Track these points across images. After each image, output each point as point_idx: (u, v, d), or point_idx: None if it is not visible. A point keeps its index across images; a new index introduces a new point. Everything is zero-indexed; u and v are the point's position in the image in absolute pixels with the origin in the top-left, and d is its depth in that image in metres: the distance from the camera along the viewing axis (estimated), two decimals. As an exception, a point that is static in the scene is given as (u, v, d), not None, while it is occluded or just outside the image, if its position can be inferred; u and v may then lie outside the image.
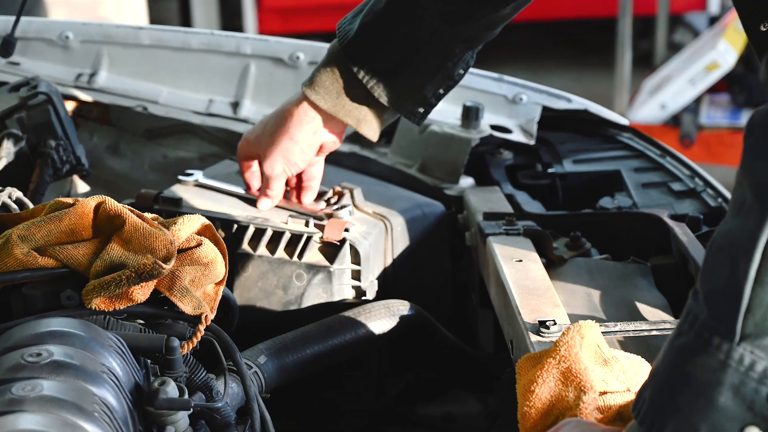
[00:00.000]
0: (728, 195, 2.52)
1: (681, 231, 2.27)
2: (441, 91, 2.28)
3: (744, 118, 5.37)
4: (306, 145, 2.34)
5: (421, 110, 2.29)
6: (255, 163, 2.43)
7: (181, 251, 1.82)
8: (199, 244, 1.85)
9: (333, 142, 2.38)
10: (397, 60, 2.24)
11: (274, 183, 2.37)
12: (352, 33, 2.25)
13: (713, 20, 6.74)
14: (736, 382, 1.31)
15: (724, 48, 5.34)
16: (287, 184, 2.43)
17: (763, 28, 1.75)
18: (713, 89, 5.50)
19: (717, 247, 1.36)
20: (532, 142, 2.73)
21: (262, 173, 2.39)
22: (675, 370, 1.36)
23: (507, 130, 2.75)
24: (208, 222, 1.90)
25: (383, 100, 2.26)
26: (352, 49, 2.25)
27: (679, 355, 1.36)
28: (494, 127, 2.73)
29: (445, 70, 2.26)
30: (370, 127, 2.32)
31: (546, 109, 2.81)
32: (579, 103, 2.85)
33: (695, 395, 1.33)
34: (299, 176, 2.43)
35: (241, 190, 2.45)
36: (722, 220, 1.38)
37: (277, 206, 2.41)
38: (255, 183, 2.44)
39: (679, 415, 1.34)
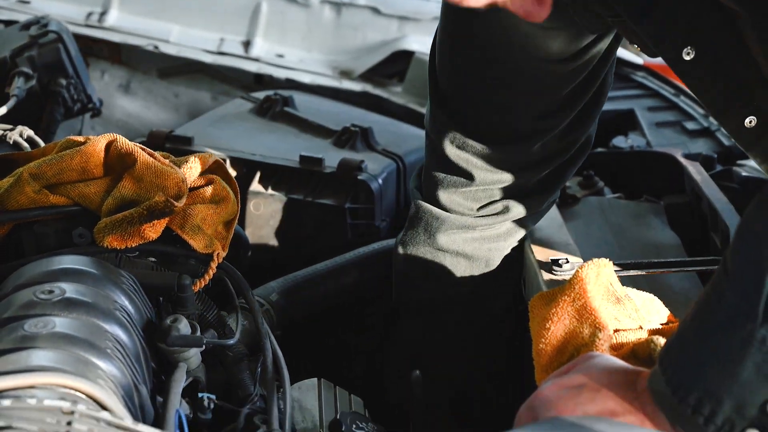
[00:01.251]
0: (742, 134, 2.50)
1: (695, 170, 2.25)
2: None
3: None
4: None
5: None
6: None
7: (192, 189, 1.81)
8: (210, 182, 1.84)
9: None
10: None
11: None
12: None
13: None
14: (759, 361, 1.31)
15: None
16: None
17: (749, 124, 1.68)
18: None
19: (745, 224, 1.35)
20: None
21: None
22: (702, 340, 1.36)
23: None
24: (219, 160, 1.88)
25: None
26: None
27: (706, 325, 1.36)
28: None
29: None
30: None
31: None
32: (593, 41, 2.82)
33: (721, 368, 1.34)
34: None
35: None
36: (759, 194, 1.37)
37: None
38: None
39: (704, 384, 1.35)
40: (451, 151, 1.91)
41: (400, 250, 2.05)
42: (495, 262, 2.02)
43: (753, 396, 1.33)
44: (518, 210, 1.96)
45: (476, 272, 2.03)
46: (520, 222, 1.99)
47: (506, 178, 1.92)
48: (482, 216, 1.97)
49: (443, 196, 1.96)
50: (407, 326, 2.13)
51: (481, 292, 2.06)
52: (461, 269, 2.03)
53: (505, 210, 1.96)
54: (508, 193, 1.95)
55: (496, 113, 1.87)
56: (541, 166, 1.93)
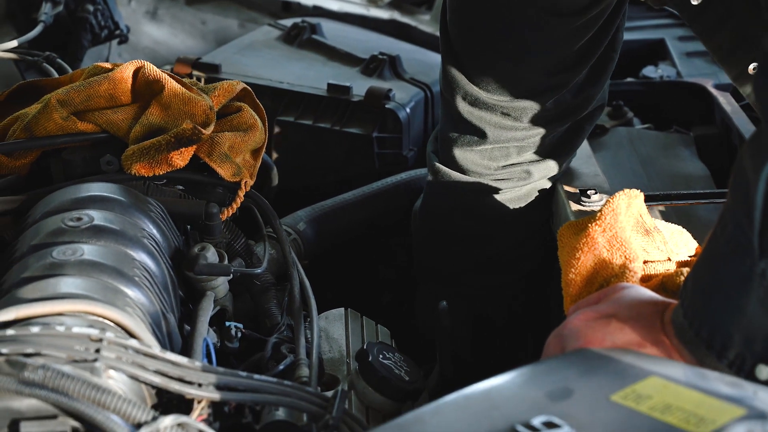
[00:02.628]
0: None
1: (725, 100, 2.24)
2: None
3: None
4: None
5: None
6: None
7: (220, 117, 1.81)
8: (238, 110, 1.83)
9: None
10: None
11: None
12: None
13: None
14: (761, 295, 1.31)
15: None
16: None
17: (751, 71, 1.68)
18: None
19: (739, 160, 1.34)
20: (575, 10, 2.68)
21: None
22: (710, 273, 1.36)
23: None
24: (247, 87, 1.88)
25: None
26: None
27: (713, 258, 1.36)
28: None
29: None
30: None
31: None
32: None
33: (726, 301, 1.33)
34: None
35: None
36: (754, 131, 1.36)
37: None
38: None
39: (713, 318, 1.35)
40: (463, 108, 1.89)
41: (420, 217, 2.04)
42: (517, 226, 2.01)
43: (760, 330, 1.32)
44: (538, 173, 1.95)
45: (499, 236, 2.02)
46: (540, 185, 1.97)
47: (520, 136, 1.91)
48: (502, 179, 1.96)
49: (459, 154, 1.94)
50: (428, 292, 2.13)
51: (505, 258, 2.05)
52: (483, 233, 2.02)
53: (526, 175, 1.95)
54: (525, 152, 1.93)
55: (508, 68, 1.85)
56: (554, 123, 1.91)
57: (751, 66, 1.67)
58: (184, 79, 1.84)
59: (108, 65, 1.82)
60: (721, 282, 1.35)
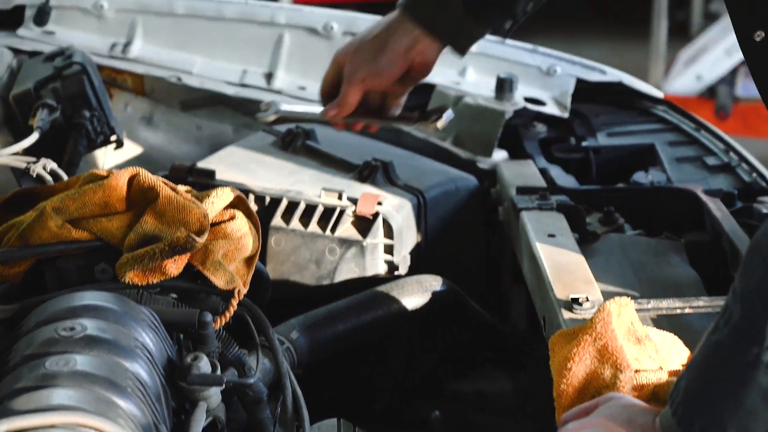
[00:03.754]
0: (763, 170, 2.50)
1: (715, 206, 2.25)
2: (530, 6, 2.12)
3: (781, 89, 5.33)
4: (396, 57, 2.09)
5: (509, 24, 2.13)
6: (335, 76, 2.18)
7: (214, 224, 1.83)
8: (232, 218, 1.85)
9: (424, 67, 2.13)
10: None
11: (350, 89, 2.11)
12: None
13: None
14: (765, 386, 1.31)
15: (762, 18, 5.29)
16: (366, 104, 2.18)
17: (757, 38, 1.71)
18: (750, 60, 5.45)
19: (755, 246, 1.35)
20: (565, 115, 2.72)
21: (342, 79, 2.15)
22: (707, 367, 1.37)
23: (541, 103, 2.73)
24: (241, 195, 1.90)
25: (474, 15, 2.09)
26: None
27: (712, 351, 1.37)
28: (528, 100, 2.72)
29: None
30: (464, 44, 2.13)
31: (580, 81, 2.79)
32: (613, 75, 2.83)
33: (725, 394, 1.34)
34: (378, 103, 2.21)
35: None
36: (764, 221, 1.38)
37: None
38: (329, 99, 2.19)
39: (708, 413, 1.35)
40: None
41: None
42: None
43: (757, 423, 1.33)
44: None
45: None
46: None
47: None
48: None
49: None
50: None
51: None
52: None
53: None
54: None
55: None
56: None
57: (756, 34, 1.69)
58: (178, 186, 1.86)
59: (103, 172, 1.85)
60: (721, 374, 1.36)
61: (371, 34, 2.12)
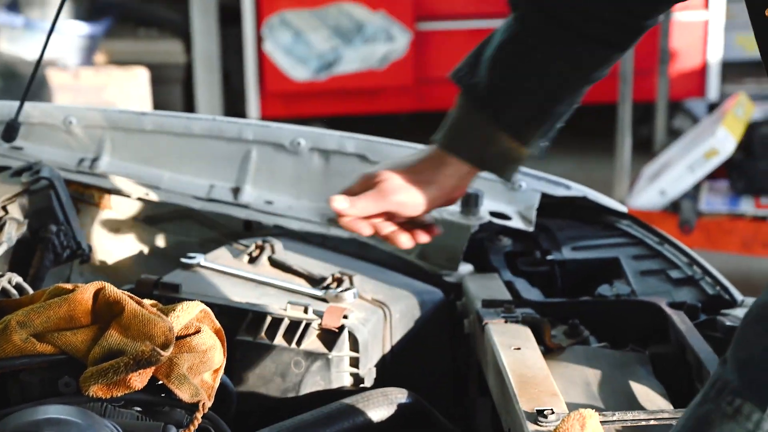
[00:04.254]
0: (726, 283, 2.53)
1: (679, 319, 2.27)
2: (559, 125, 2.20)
3: (743, 204, 5.39)
4: (443, 193, 2.16)
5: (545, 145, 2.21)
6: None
7: (179, 338, 1.83)
8: (197, 331, 1.85)
9: (460, 197, 2.23)
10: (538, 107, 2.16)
11: (377, 205, 2.14)
12: (482, 85, 2.14)
13: (712, 107, 6.79)
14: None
15: (723, 135, 5.37)
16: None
17: (767, 14, 1.73)
18: (712, 176, 5.53)
19: (754, 318, 1.36)
20: (531, 229, 2.74)
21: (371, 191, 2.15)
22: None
23: (506, 217, 2.76)
24: (207, 308, 1.90)
25: (522, 144, 2.15)
26: (486, 102, 2.14)
27: (703, 422, 1.36)
28: (493, 214, 2.74)
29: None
30: (513, 173, 2.22)
31: (545, 196, 2.82)
32: (578, 190, 2.86)
33: None
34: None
35: (243, 272, 2.46)
36: (762, 292, 1.39)
37: (280, 287, 2.41)
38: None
39: None
40: None
41: None
42: None
43: None
44: None
45: None
46: None
47: None
48: None
49: None
50: None
51: None
52: None
53: None
54: None
55: None
56: None
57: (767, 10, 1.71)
58: (144, 300, 1.87)
59: (69, 286, 1.85)
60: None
61: (415, 167, 2.15)
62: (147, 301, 1.86)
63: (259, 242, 2.60)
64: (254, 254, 2.57)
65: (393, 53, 6.75)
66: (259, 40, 6.75)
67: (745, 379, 1.33)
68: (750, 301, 2.40)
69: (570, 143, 7.37)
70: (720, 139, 5.38)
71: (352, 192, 2.18)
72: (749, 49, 7.10)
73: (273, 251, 2.57)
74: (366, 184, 2.17)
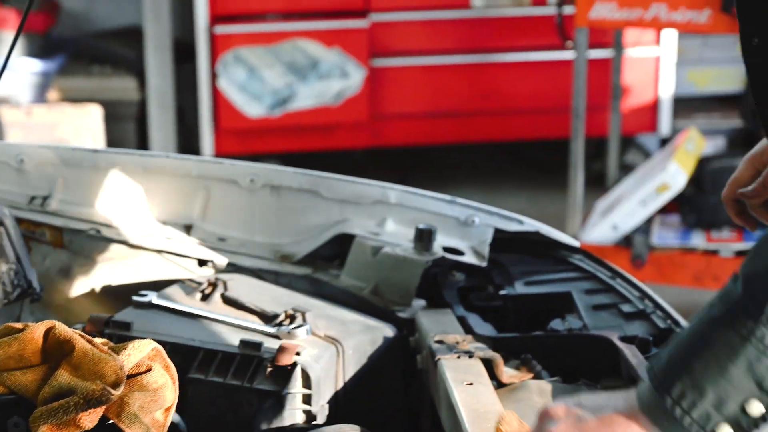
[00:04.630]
0: (677, 316, 2.54)
1: (630, 353, 2.28)
2: None
3: (694, 238, 5.43)
4: None
5: None
6: None
7: (130, 377, 1.82)
8: (149, 370, 1.85)
9: None
10: None
11: None
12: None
13: (664, 142, 6.84)
14: (752, 358, 1.41)
15: (675, 170, 5.41)
16: None
17: (755, 42, 1.81)
18: (664, 210, 5.56)
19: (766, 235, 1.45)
20: (484, 264, 2.75)
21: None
22: (698, 336, 1.46)
23: (459, 252, 2.77)
24: (158, 347, 1.90)
25: None
26: None
27: (705, 323, 1.46)
28: (447, 249, 2.75)
29: None
30: None
31: (498, 231, 2.84)
32: (531, 225, 2.88)
33: (710, 361, 1.43)
34: None
35: (195, 310, 2.45)
36: None
37: (233, 325, 2.41)
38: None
39: (690, 376, 1.43)
40: None
41: None
42: None
43: (736, 393, 1.42)
44: None
45: None
46: None
47: None
48: None
49: None
50: None
51: None
52: None
53: None
54: None
55: None
56: None
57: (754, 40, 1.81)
58: (95, 339, 1.86)
59: (19, 325, 1.84)
60: (710, 343, 1.45)
61: None
62: (98, 340, 1.86)
63: (212, 279, 2.59)
64: (207, 291, 2.56)
65: (348, 89, 6.77)
66: (214, 76, 6.74)
67: (748, 290, 1.44)
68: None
69: (523, 178, 7.41)
70: (671, 174, 5.42)
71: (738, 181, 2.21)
72: (700, 85, 7.17)
73: (226, 288, 2.57)
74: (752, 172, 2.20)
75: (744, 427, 1.42)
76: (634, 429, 1.47)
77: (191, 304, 2.51)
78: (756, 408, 1.41)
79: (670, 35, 6.75)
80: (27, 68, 6.84)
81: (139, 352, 1.85)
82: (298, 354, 2.29)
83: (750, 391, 1.41)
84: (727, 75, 7.01)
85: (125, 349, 1.84)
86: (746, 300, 1.43)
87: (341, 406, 2.39)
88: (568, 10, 5.59)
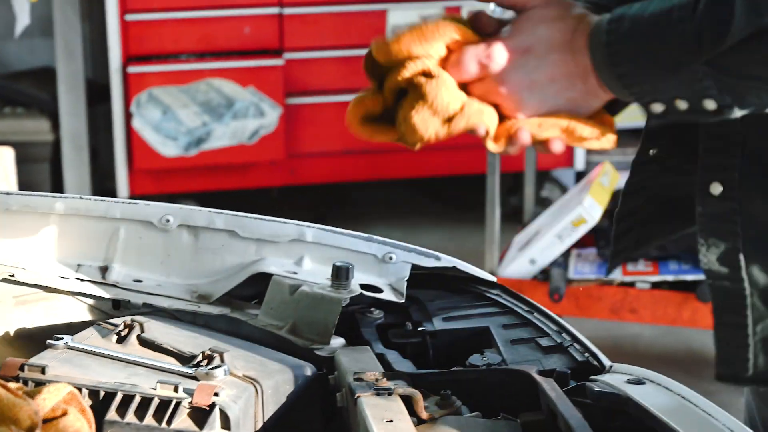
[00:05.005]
0: (595, 349, 2.56)
1: (549, 386, 2.30)
2: None
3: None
4: None
5: None
6: None
7: (46, 421, 1.80)
8: (64, 414, 1.83)
9: None
10: None
11: None
12: None
13: (580, 176, 6.92)
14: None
15: (590, 203, 5.48)
16: None
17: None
18: (580, 243, 5.62)
19: None
20: (402, 301, 2.76)
21: None
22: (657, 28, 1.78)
23: (377, 289, 2.77)
24: (74, 390, 1.88)
25: None
26: None
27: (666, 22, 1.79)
28: (364, 287, 2.75)
29: None
30: None
31: (415, 267, 2.84)
32: (448, 260, 2.89)
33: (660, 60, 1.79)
34: None
35: (112, 352, 2.43)
36: None
37: (150, 366, 2.39)
38: None
39: (635, 64, 1.84)
40: None
41: None
42: None
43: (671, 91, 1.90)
44: None
45: None
46: None
47: None
48: None
49: None
50: None
51: None
52: None
53: None
54: None
55: None
56: None
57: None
58: (9, 383, 1.83)
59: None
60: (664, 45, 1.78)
61: None
62: (12, 384, 1.83)
63: (128, 321, 2.57)
64: (123, 333, 2.54)
65: (263, 128, 6.77)
66: (128, 116, 6.72)
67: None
68: (619, 366, 2.44)
69: (441, 214, 7.46)
70: (587, 208, 5.48)
71: None
72: (613, 120, 7.25)
73: (142, 330, 2.54)
74: None
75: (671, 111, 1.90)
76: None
77: (107, 346, 2.48)
78: (682, 104, 1.86)
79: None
80: (-62, 111, 6.77)
81: (54, 396, 1.83)
82: (216, 395, 2.28)
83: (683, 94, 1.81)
84: (638, 109, 7.12)
85: (40, 393, 1.82)
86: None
87: (261, 445, 2.38)
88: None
